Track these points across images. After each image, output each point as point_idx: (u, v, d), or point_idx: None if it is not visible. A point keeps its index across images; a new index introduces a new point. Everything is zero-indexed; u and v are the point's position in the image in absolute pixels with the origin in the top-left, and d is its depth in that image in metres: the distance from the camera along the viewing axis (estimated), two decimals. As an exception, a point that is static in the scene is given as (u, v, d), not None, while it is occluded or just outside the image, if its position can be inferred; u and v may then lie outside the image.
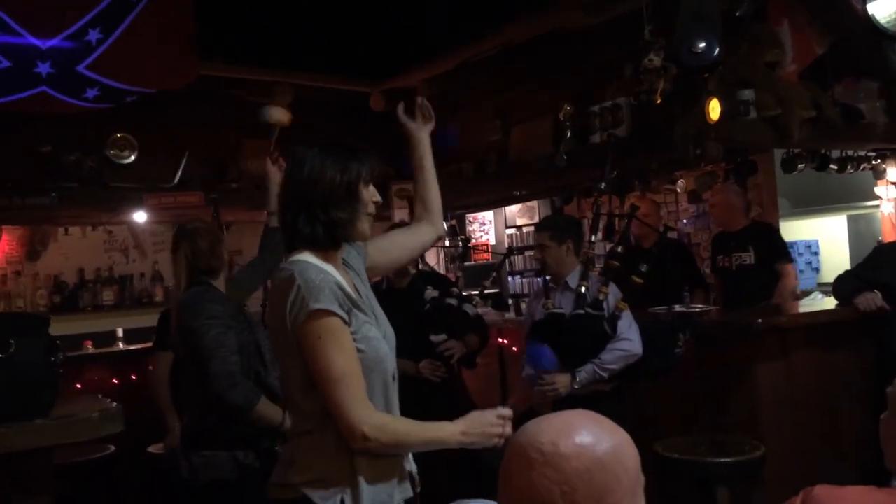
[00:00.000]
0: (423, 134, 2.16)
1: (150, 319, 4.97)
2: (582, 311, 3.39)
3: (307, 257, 1.79)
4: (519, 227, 8.18)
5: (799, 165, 4.78)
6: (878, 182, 5.47)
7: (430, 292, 3.80)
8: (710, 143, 3.80)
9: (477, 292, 5.20)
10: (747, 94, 3.79)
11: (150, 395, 3.94)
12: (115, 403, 2.22)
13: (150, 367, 4.15)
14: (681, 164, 4.84)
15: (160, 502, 3.73)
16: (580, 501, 1.05)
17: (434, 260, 6.98)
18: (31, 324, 2.13)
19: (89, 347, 5.65)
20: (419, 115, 2.17)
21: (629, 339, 3.35)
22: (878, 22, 4.09)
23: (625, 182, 5.24)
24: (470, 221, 8.34)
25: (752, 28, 3.95)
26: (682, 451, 3.24)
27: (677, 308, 4.20)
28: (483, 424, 1.79)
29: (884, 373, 3.32)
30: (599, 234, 4.19)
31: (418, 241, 2.20)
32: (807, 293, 7.01)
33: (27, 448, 2.16)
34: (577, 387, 3.29)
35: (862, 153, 5.03)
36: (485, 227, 8.41)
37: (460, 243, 6.98)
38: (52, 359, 2.10)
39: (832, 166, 4.89)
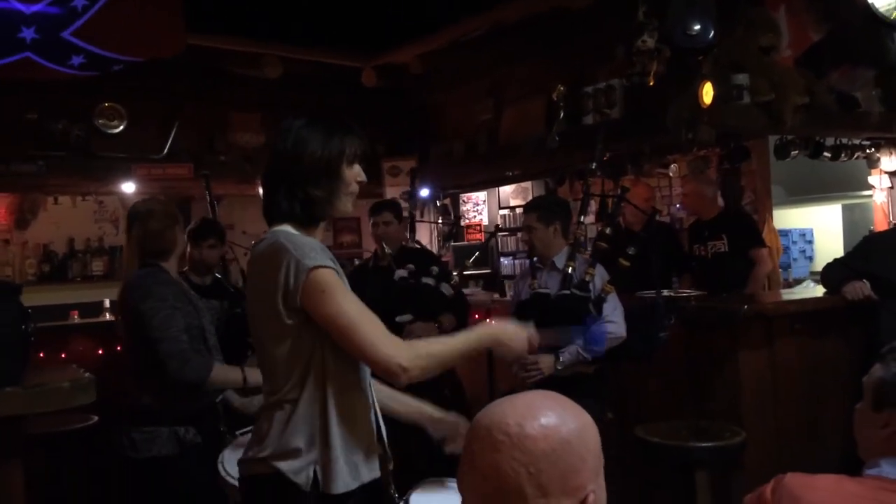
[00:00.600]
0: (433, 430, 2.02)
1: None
2: (567, 292, 3.38)
3: (287, 228, 1.79)
4: (512, 208, 8.13)
5: (792, 152, 4.75)
6: (872, 171, 5.45)
7: (400, 272, 3.68)
8: (703, 127, 3.77)
9: (460, 273, 5.14)
10: (741, 78, 3.76)
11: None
12: (87, 374, 2.18)
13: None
14: (673, 147, 4.81)
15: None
16: (546, 482, 1.04)
17: (427, 239, 6.95)
18: (1, 291, 2.09)
19: (75, 317, 5.63)
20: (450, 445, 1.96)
21: (614, 322, 3.35)
22: (876, 10, 4.05)
23: (617, 165, 5.20)
24: (464, 201, 8.30)
25: (747, 11, 3.90)
26: (663, 436, 3.23)
27: (665, 293, 4.17)
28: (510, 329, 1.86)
29: (870, 362, 3.29)
30: (592, 216, 4.16)
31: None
32: (799, 281, 7.01)
33: (-4, 416, 2.12)
34: (560, 367, 3.29)
35: (856, 141, 4.99)
36: (478, 207, 8.37)
37: (452, 222, 6.94)
38: (24, 327, 2.06)
39: (826, 154, 4.86)
